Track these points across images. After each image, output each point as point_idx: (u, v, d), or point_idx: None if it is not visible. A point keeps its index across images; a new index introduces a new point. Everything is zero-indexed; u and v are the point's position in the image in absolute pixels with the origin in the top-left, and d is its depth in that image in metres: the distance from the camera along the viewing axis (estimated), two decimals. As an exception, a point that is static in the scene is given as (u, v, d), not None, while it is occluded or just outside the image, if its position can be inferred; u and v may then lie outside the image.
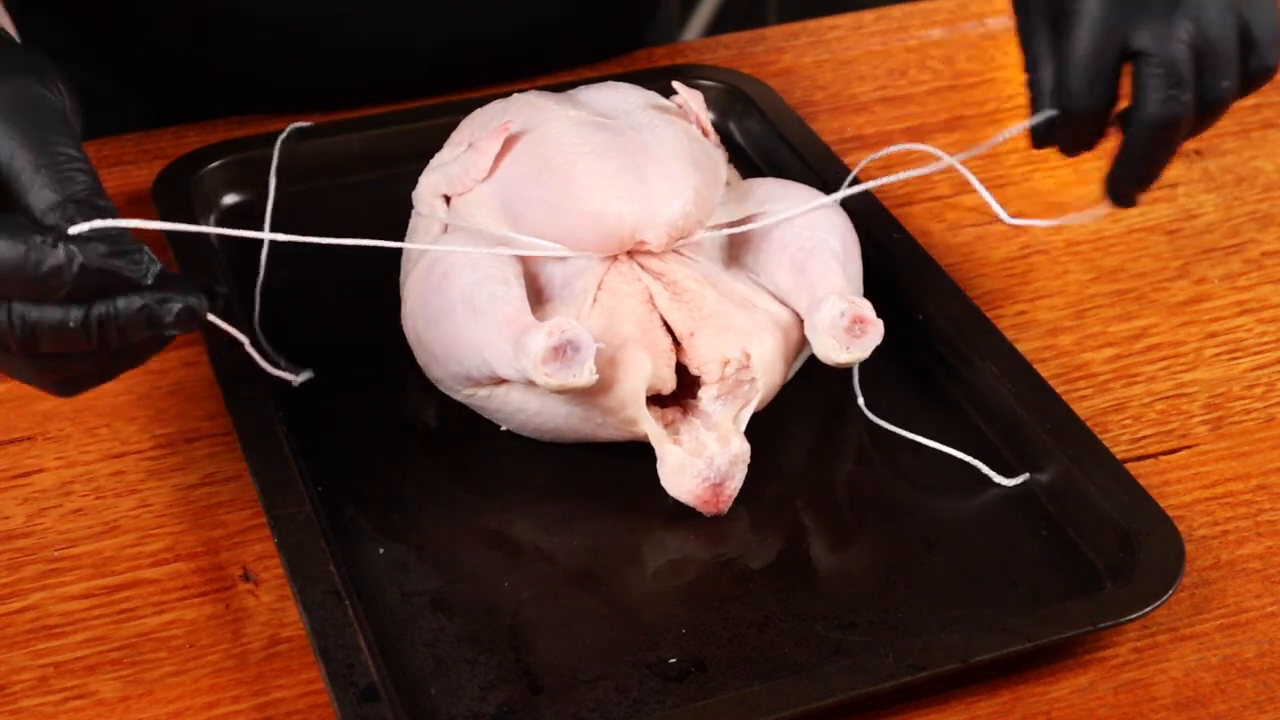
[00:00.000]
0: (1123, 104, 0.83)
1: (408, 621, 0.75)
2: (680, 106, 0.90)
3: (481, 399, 0.83)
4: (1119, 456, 0.82)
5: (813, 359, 0.84)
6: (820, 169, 0.98)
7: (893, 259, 0.92)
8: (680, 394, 0.82)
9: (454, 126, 0.90)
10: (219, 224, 0.97)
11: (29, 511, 0.81)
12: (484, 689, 0.73)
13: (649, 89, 0.90)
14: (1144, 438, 0.87)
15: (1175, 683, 0.75)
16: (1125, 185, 0.85)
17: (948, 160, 0.86)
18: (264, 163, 0.98)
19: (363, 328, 0.88)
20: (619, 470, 0.81)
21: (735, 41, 1.16)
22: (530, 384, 0.78)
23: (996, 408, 0.85)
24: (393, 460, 0.83)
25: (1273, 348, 0.93)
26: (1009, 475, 0.82)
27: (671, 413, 0.82)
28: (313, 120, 1.01)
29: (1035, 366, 0.86)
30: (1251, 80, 0.83)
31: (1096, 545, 0.79)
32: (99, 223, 0.67)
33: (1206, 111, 0.83)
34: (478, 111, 0.89)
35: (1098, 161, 1.02)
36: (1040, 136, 0.84)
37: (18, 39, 0.67)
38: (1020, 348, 0.88)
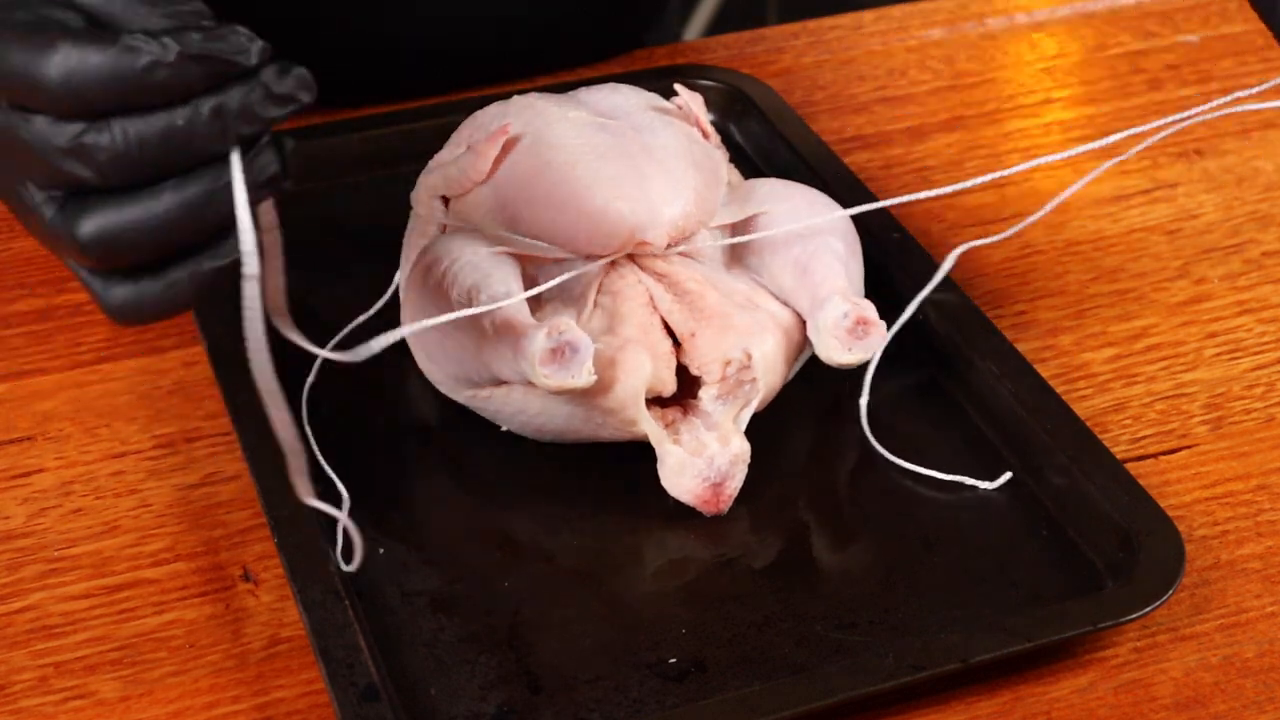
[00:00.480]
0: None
1: (408, 621, 0.75)
2: (680, 108, 0.90)
3: (482, 400, 0.83)
4: (1119, 456, 0.82)
5: (813, 359, 0.84)
6: (820, 169, 0.98)
7: (893, 259, 0.92)
8: (680, 394, 0.82)
9: (454, 126, 0.90)
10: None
11: (29, 511, 0.81)
12: (484, 689, 0.73)
13: (649, 89, 0.90)
14: (1144, 438, 0.87)
15: (1175, 683, 0.75)
16: None
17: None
18: (264, 163, 0.98)
19: (363, 327, 0.88)
20: (619, 470, 0.81)
21: (735, 41, 1.16)
22: (530, 385, 0.78)
23: (996, 408, 0.85)
24: (393, 460, 0.83)
25: (1273, 348, 0.93)
26: (1015, 486, 0.82)
27: (672, 413, 0.82)
28: (313, 120, 1.01)
29: (1035, 366, 0.86)
30: None
31: (1096, 545, 0.79)
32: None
33: None
34: (477, 113, 0.89)
35: (1096, 161, 1.02)
36: None
37: None
38: (1020, 348, 0.88)
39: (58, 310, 0.92)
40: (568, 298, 0.82)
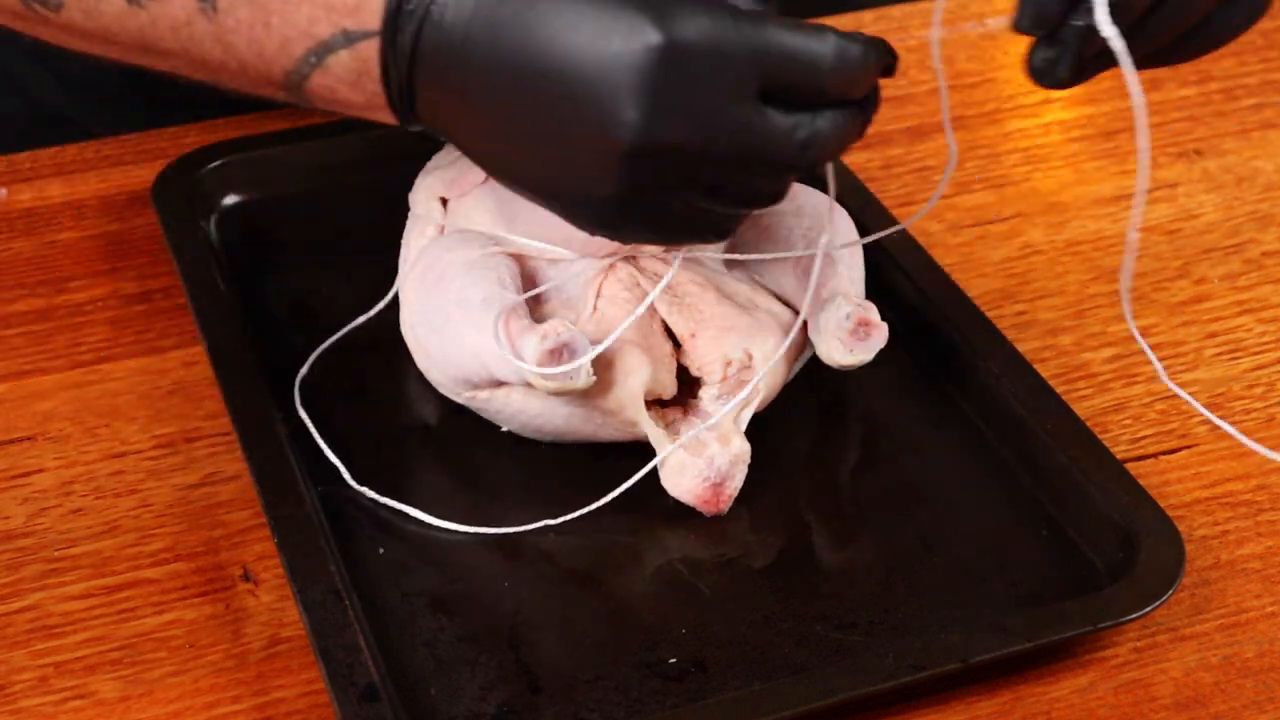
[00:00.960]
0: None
1: (408, 621, 0.75)
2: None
3: (482, 401, 0.83)
4: (1119, 456, 0.82)
5: (813, 359, 0.84)
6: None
7: (893, 260, 0.92)
8: (681, 394, 0.82)
9: (454, 126, 0.90)
10: (218, 224, 0.97)
11: (29, 511, 0.81)
12: (484, 689, 0.73)
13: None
14: (1144, 438, 0.87)
15: (1175, 683, 0.75)
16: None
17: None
18: (264, 163, 0.98)
19: (363, 327, 0.88)
20: (619, 470, 0.81)
21: (735, 41, 1.16)
22: (529, 386, 0.78)
23: (996, 408, 0.85)
24: (393, 460, 0.83)
25: (1273, 348, 0.93)
26: (1015, 486, 0.82)
27: (672, 413, 0.82)
28: (312, 120, 1.01)
29: (1035, 366, 0.86)
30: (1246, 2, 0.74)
31: (1096, 545, 0.79)
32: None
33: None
34: (478, 112, 0.89)
35: (1098, 161, 1.03)
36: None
37: None
38: (1020, 348, 0.88)
39: (58, 310, 0.92)
40: (567, 299, 0.82)
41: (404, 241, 0.88)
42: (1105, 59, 0.71)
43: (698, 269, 0.83)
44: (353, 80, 0.71)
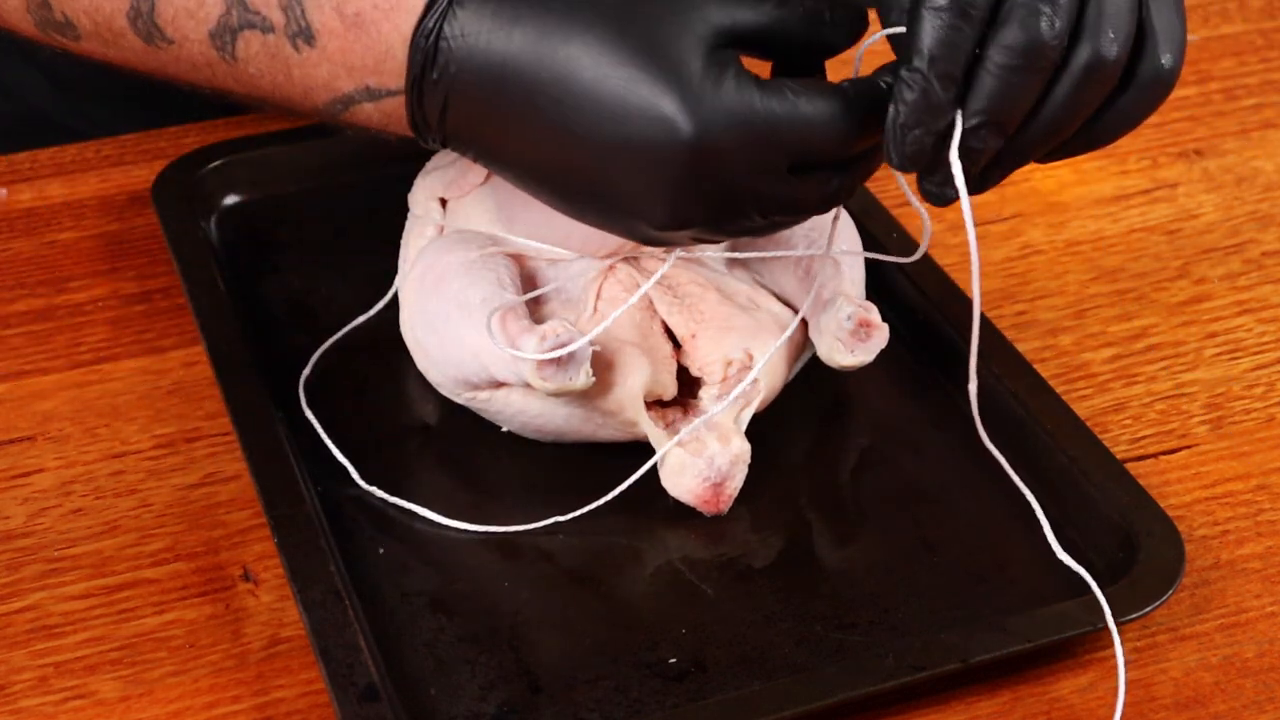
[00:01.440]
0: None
1: (408, 621, 0.75)
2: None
3: (482, 402, 0.82)
4: (1119, 456, 0.82)
5: (814, 359, 0.84)
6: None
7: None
8: (681, 394, 0.82)
9: (454, 126, 0.90)
10: (218, 224, 0.97)
11: (29, 511, 0.81)
12: (484, 689, 0.73)
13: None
14: (1144, 438, 0.87)
15: (1175, 683, 0.75)
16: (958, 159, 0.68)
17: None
18: (264, 163, 0.98)
19: (363, 327, 0.88)
20: (619, 470, 0.81)
21: (735, 41, 1.16)
22: (529, 387, 0.78)
23: (996, 408, 0.85)
24: (393, 460, 0.83)
25: (1273, 348, 0.93)
26: (1015, 486, 0.82)
27: (672, 413, 0.82)
28: (311, 121, 1.01)
29: (1035, 366, 0.86)
30: (1143, 87, 0.69)
31: (1096, 545, 0.79)
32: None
33: (1078, 84, 0.67)
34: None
35: (1098, 161, 1.02)
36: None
37: None
38: (1020, 348, 0.88)
39: (58, 310, 0.92)
40: (566, 300, 0.82)
41: (403, 242, 0.88)
42: (1008, 159, 0.69)
43: (698, 269, 0.83)
44: (380, 124, 0.73)
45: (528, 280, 0.82)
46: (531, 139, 0.69)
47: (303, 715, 0.73)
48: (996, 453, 0.77)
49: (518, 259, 0.83)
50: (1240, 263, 0.98)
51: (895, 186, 1.03)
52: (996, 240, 0.99)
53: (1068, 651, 0.76)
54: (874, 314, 0.82)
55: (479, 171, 0.85)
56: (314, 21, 0.70)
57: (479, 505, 0.81)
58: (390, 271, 0.88)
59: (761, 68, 0.70)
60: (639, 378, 0.79)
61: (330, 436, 0.83)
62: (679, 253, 0.81)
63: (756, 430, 0.82)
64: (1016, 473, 0.83)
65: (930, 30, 0.65)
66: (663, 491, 0.80)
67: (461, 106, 0.69)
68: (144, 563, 0.79)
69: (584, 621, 0.76)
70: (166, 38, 0.72)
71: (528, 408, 0.81)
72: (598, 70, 0.67)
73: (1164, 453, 0.86)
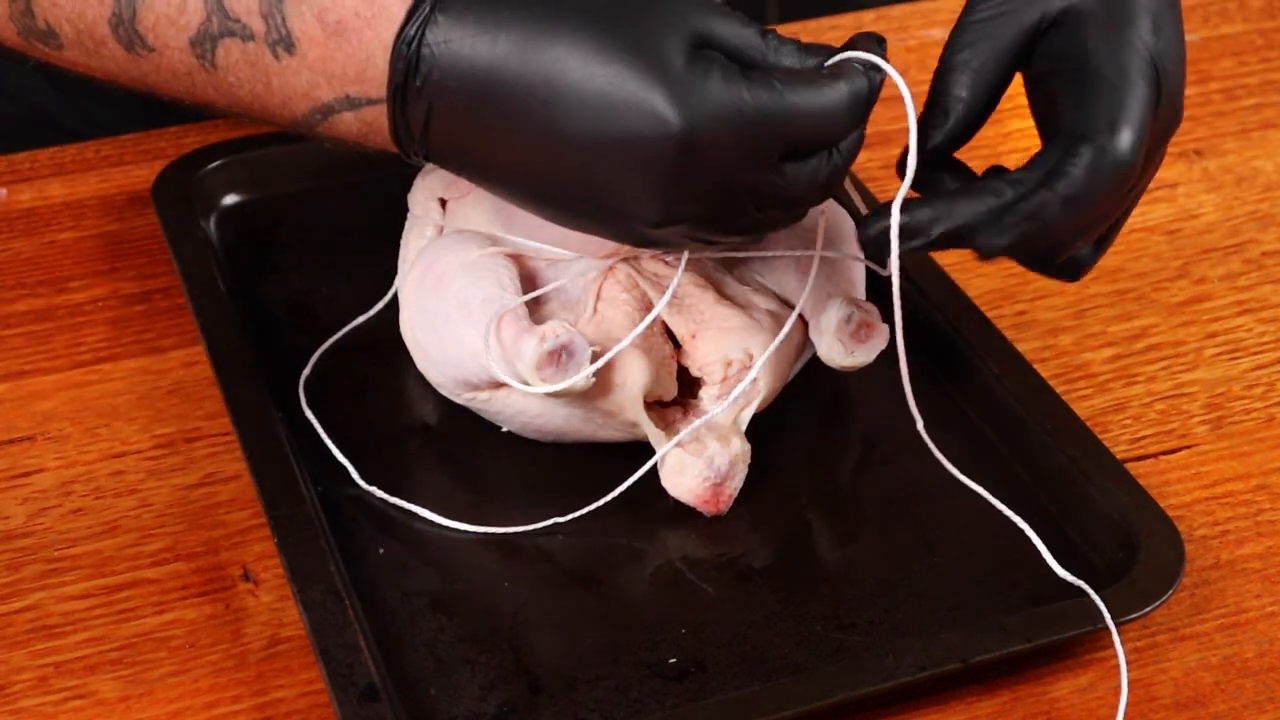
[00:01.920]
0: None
1: (408, 621, 0.75)
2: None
3: (482, 402, 0.82)
4: (1119, 456, 0.82)
5: (814, 359, 0.84)
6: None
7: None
8: (681, 394, 0.82)
9: (454, 126, 0.90)
10: (218, 224, 0.97)
11: (29, 511, 0.81)
12: (484, 689, 0.73)
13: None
14: (1144, 438, 0.87)
15: (1175, 683, 0.75)
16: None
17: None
18: (264, 163, 0.98)
19: (363, 327, 0.88)
20: (619, 470, 0.81)
21: (735, 41, 1.16)
22: (528, 384, 0.78)
23: (996, 408, 0.85)
24: (393, 460, 0.83)
25: (1273, 348, 0.93)
26: (1015, 486, 0.82)
27: (672, 413, 0.82)
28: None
29: (1035, 366, 0.86)
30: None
31: (1096, 545, 0.79)
32: (864, 55, 0.70)
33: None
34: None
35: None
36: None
37: None
38: (1020, 348, 0.88)
39: (58, 310, 0.92)
40: (566, 301, 0.82)
41: (403, 242, 0.88)
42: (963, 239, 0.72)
43: (698, 269, 0.83)
44: (360, 135, 0.72)
45: (527, 280, 0.82)
46: (519, 145, 0.68)
47: (303, 715, 0.73)
48: (975, 483, 0.77)
49: (517, 259, 0.83)
50: (1240, 263, 0.98)
51: (895, 186, 1.03)
52: (996, 240, 0.99)
53: (1068, 651, 0.76)
54: (874, 314, 0.82)
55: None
56: (294, 29, 0.69)
57: (479, 505, 0.81)
58: (390, 272, 0.88)
59: None
60: (639, 378, 0.79)
61: (330, 436, 0.83)
62: (687, 256, 0.81)
63: (756, 430, 0.82)
64: (1017, 472, 0.83)
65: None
66: (663, 491, 0.80)
67: (445, 115, 0.69)
68: (144, 563, 0.79)
69: (584, 621, 0.76)
70: (148, 45, 0.71)
71: (528, 408, 0.81)
72: (584, 70, 0.66)
73: (1164, 453, 0.86)
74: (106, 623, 0.76)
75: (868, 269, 0.85)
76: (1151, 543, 0.77)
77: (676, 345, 0.82)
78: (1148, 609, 0.75)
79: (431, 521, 0.80)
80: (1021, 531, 0.79)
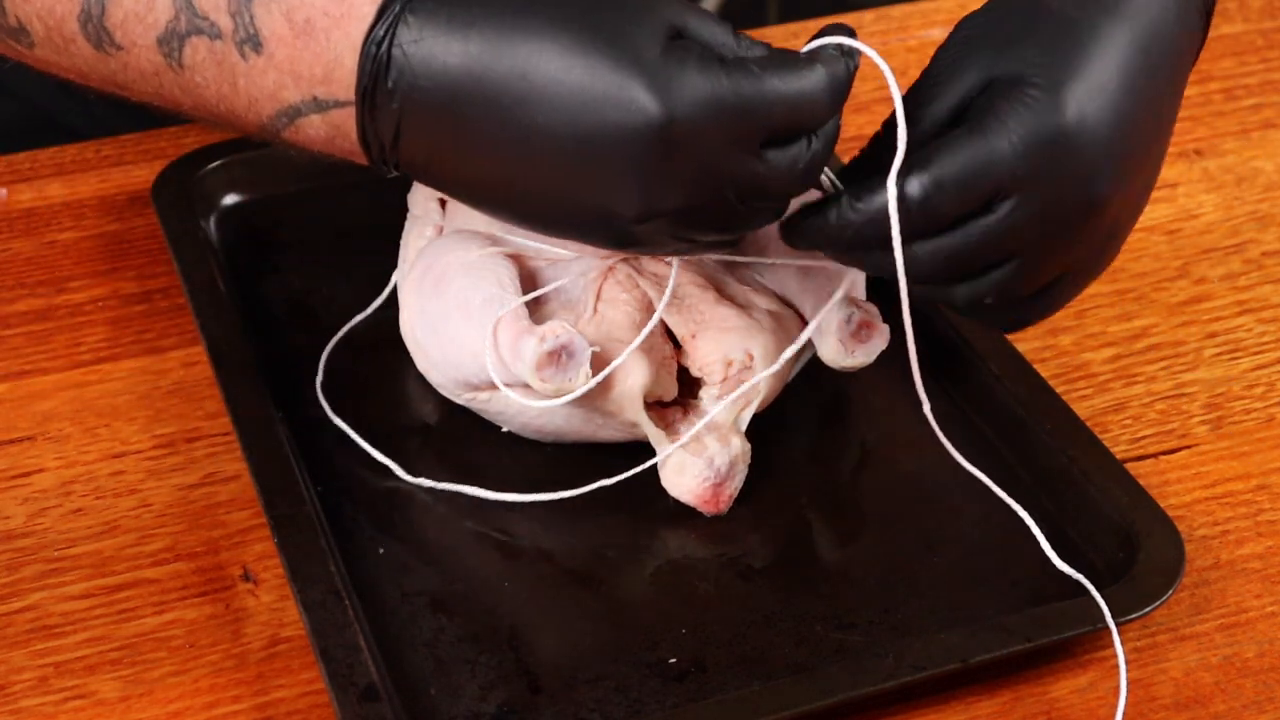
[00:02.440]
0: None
1: (408, 621, 0.75)
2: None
3: (482, 402, 0.82)
4: (1119, 456, 0.82)
5: (814, 359, 0.84)
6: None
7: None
8: (681, 394, 0.82)
9: (454, 126, 0.90)
10: (218, 224, 0.97)
11: (29, 511, 0.81)
12: (484, 689, 0.73)
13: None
14: (1144, 438, 0.87)
15: (1175, 683, 0.75)
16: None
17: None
18: (264, 163, 0.98)
19: (363, 327, 0.88)
20: (619, 470, 0.81)
21: (735, 41, 1.16)
22: (528, 388, 0.78)
23: (996, 408, 0.85)
24: (393, 460, 0.83)
25: (1273, 348, 0.93)
26: (1015, 486, 0.82)
27: (672, 413, 0.82)
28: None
29: (1035, 366, 0.86)
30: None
31: (1096, 545, 0.79)
32: (839, 39, 0.70)
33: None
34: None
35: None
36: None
37: None
38: (1020, 348, 0.88)
39: (58, 310, 0.92)
40: (566, 301, 0.82)
41: (403, 242, 0.88)
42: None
43: (698, 269, 0.83)
44: (326, 140, 0.70)
45: (527, 280, 0.82)
46: (495, 146, 0.67)
47: (303, 715, 0.73)
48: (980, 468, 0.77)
49: (517, 259, 0.83)
50: (1240, 263, 0.98)
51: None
52: (996, 240, 0.99)
53: (1067, 651, 0.76)
54: (875, 315, 0.82)
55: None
56: (262, 28, 0.68)
57: (479, 505, 0.81)
58: (390, 272, 0.88)
59: None
60: (639, 379, 0.79)
61: (331, 436, 0.83)
62: (678, 263, 0.81)
63: (756, 430, 0.82)
64: (1017, 472, 0.83)
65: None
66: (663, 491, 0.80)
67: (417, 118, 0.67)
68: (144, 563, 0.79)
69: (584, 621, 0.76)
70: (116, 43, 0.70)
71: (527, 408, 0.81)
72: (560, 63, 0.66)
73: (1164, 453, 0.86)
74: (106, 623, 0.76)
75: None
76: (1151, 543, 0.77)
77: (676, 345, 0.82)
78: (1148, 609, 0.75)
79: (431, 521, 0.80)
80: (1021, 531, 0.79)
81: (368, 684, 0.70)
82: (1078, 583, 0.76)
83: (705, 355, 0.81)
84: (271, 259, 0.95)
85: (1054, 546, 0.79)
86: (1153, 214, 1.02)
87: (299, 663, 0.75)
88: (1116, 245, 0.75)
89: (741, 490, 0.80)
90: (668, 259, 0.82)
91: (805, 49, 0.69)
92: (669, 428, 0.81)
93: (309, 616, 0.72)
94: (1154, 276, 0.97)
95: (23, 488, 0.82)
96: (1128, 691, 0.74)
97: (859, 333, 0.81)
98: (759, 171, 0.68)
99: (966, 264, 0.72)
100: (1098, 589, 0.75)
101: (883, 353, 0.82)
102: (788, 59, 0.68)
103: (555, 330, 0.77)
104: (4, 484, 0.83)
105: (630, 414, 0.80)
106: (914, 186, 0.70)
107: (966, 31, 0.74)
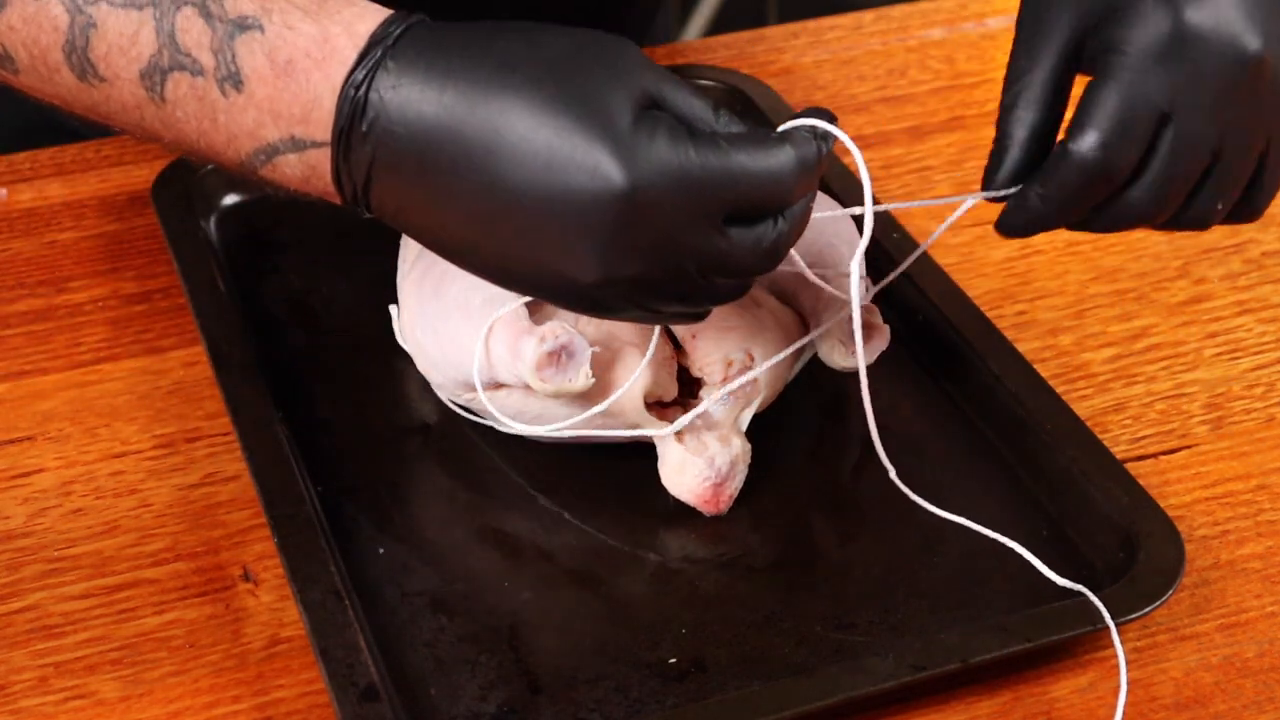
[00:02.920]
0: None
1: (408, 621, 0.75)
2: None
3: (481, 403, 0.82)
4: (1119, 456, 0.82)
5: (814, 359, 0.84)
6: (820, 169, 0.98)
7: (893, 260, 0.92)
8: (681, 394, 0.82)
9: (454, 126, 0.90)
10: (218, 224, 0.97)
11: (29, 511, 0.81)
12: (484, 689, 0.73)
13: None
14: (1144, 438, 0.87)
15: (1175, 683, 0.75)
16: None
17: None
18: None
19: (363, 327, 0.88)
20: (619, 470, 0.81)
21: (735, 41, 1.16)
22: (529, 388, 0.78)
23: (996, 408, 0.85)
24: (393, 460, 0.83)
25: (1273, 348, 0.93)
26: (1015, 486, 0.82)
27: (672, 413, 0.82)
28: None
29: (1035, 366, 0.86)
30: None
31: (1096, 545, 0.79)
32: (813, 121, 0.71)
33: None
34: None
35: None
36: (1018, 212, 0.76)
37: None
38: (1020, 348, 0.88)
39: (58, 310, 0.92)
40: (567, 301, 0.82)
41: (403, 242, 0.88)
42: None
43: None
44: (302, 180, 0.71)
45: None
46: (460, 197, 0.68)
47: (303, 715, 0.73)
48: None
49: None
50: (1240, 263, 0.98)
51: (895, 186, 1.03)
52: (997, 240, 0.99)
53: (1068, 651, 0.76)
54: (875, 315, 0.82)
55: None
56: (244, 67, 0.69)
57: (479, 505, 0.81)
58: (390, 272, 0.88)
59: None
60: (639, 379, 0.79)
61: (331, 436, 0.83)
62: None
63: (756, 430, 0.82)
64: (1017, 472, 0.83)
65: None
66: (663, 491, 0.80)
67: (388, 164, 0.68)
68: (144, 563, 0.79)
69: (584, 621, 0.76)
70: (99, 75, 0.71)
71: (528, 409, 0.81)
72: (530, 122, 0.66)
73: (1164, 453, 0.86)
74: (106, 623, 0.76)
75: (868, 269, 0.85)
76: (1151, 543, 0.77)
77: (676, 345, 0.82)
78: (1148, 609, 0.75)
79: (431, 521, 0.80)
80: (1022, 532, 0.79)
81: (368, 684, 0.70)
82: (1078, 582, 0.76)
83: (705, 355, 0.81)
84: (271, 259, 0.95)
85: (1054, 547, 0.79)
86: (1153, 214, 1.02)
87: (299, 663, 0.75)
88: None
89: (741, 490, 0.80)
90: None
91: (781, 128, 0.70)
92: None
93: (309, 616, 0.72)
94: (1154, 276, 0.97)
95: (23, 488, 0.82)
96: (1128, 691, 0.74)
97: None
98: (721, 247, 0.68)
99: (1178, 187, 0.74)
100: (1097, 589, 0.75)
101: (883, 353, 0.82)
102: (759, 137, 0.68)
103: (555, 331, 0.77)
104: (4, 484, 0.83)
105: (630, 414, 0.80)
106: (1086, 148, 0.72)
107: None
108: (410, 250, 0.87)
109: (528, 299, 0.80)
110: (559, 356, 0.77)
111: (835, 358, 0.82)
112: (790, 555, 0.80)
